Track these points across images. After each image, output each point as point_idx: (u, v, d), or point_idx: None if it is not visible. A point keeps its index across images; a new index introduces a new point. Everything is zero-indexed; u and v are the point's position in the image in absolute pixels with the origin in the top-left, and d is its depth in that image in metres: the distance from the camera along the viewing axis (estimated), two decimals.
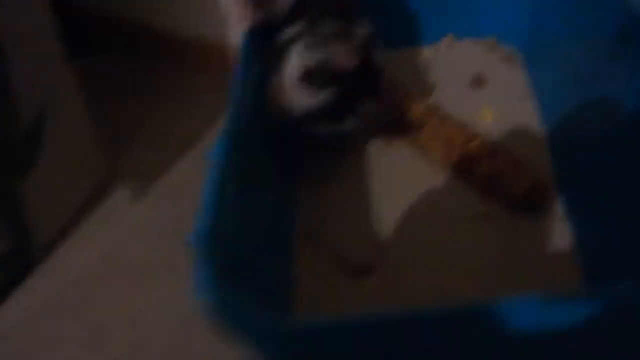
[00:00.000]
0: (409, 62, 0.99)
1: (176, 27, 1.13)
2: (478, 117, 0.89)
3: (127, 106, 1.14)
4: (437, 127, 0.80)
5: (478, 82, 0.94)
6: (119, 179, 0.99)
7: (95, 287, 0.87)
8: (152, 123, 1.06)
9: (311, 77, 0.70)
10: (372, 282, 0.72)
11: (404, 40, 1.01)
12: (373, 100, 0.75)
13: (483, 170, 0.77)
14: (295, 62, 0.71)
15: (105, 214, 0.96)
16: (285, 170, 0.83)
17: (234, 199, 0.54)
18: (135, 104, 1.14)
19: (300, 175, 0.84)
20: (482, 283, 0.72)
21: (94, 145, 0.95)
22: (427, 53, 1.00)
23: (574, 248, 0.73)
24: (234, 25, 0.76)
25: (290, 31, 0.74)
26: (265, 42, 0.75)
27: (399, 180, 0.82)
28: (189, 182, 0.97)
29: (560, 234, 0.75)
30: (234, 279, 0.46)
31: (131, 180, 0.99)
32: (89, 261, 0.90)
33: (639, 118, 0.62)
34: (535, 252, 0.74)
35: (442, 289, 0.71)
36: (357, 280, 0.72)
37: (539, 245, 0.74)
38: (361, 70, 0.72)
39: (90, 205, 0.96)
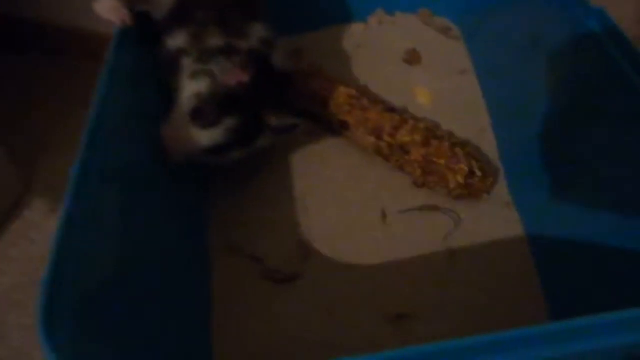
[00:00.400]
0: (337, 42, 0.91)
1: (80, 23, 1.04)
2: (414, 97, 0.83)
3: (38, 110, 1.05)
4: (362, 115, 0.73)
5: (412, 58, 0.87)
6: (33, 193, 0.92)
7: (11, 308, 0.80)
8: (65, 128, 0.97)
9: (202, 113, 0.62)
10: (296, 287, 0.67)
11: (330, 18, 0.93)
12: (284, 108, 0.68)
13: (415, 159, 0.70)
14: (185, 93, 0.63)
15: (21, 230, 0.88)
16: (188, 180, 0.76)
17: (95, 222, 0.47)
18: (46, 107, 1.05)
19: (210, 182, 0.77)
20: (422, 282, 0.67)
21: (2, 156, 0.88)
22: (356, 29, 0.93)
23: (522, 234, 0.69)
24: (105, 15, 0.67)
25: (175, 40, 0.66)
26: (147, 44, 0.67)
27: (325, 176, 0.76)
28: None
29: (507, 220, 0.71)
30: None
31: (46, 193, 0.91)
32: (3, 283, 0.83)
33: (582, 90, 0.59)
34: (480, 246, 0.68)
35: (375, 291, 0.65)
36: (280, 287, 0.67)
37: (483, 237, 0.69)
38: (258, 83, 0.64)
39: (3, 223, 0.89)
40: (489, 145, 0.77)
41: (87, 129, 0.50)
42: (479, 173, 0.69)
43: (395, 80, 0.84)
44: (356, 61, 0.88)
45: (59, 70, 1.10)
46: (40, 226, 0.88)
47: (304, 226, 0.71)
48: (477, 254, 0.68)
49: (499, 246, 0.68)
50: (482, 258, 0.68)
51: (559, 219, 0.63)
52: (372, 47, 0.90)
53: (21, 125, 1.01)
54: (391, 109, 0.75)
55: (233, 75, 0.63)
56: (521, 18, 0.72)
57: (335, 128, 0.77)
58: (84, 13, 1.01)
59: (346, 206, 0.72)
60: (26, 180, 0.93)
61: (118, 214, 0.52)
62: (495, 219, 0.71)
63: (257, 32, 0.69)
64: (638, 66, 0.50)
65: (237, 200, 0.74)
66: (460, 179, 0.69)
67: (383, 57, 0.88)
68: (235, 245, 0.71)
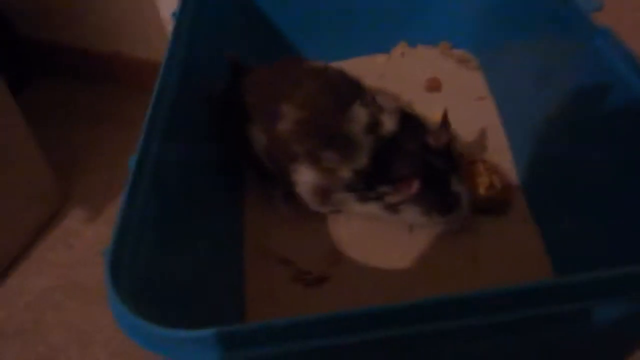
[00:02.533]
0: (361, 71, 0.97)
1: (120, 49, 1.12)
2: (434, 121, 0.88)
3: (78, 131, 1.11)
4: None
5: (433, 85, 0.93)
6: (71, 203, 0.97)
7: (47, 310, 0.84)
8: (103, 146, 1.03)
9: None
10: (325, 290, 0.70)
11: (355, 49, 1.01)
12: None
13: None
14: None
15: (58, 237, 0.93)
16: (230, 183, 0.81)
17: (157, 212, 0.51)
18: (86, 128, 1.11)
19: (248, 187, 0.83)
20: (444, 287, 0.70)
21: (45, 170, 0.93)
22: (379, 60, 1.00)
23: (541, 248, 0.72)
24: None
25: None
26: None
27: None
28: None
29: (526, 234, 0.74)
30: (148, 297, 0.43)
31: (83, 203, 0.96)
32: (42, 285, 0.86)
33: (593, 112, 0.62)
34: (502, 255, 0.72)
35: (401, 296, 0.69)
36: (310, 289, 0.70)
37: (504, 247, 0.73)
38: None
39: (43, 230, 0.93)
40: (507, 165, 0.82)
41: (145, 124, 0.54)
42: (498, 185, 0.74)
43: (416, 106, 0.90)
44: (379, 89, 0.94)
45: (98, 94, 1.17)
46: (78, 233, 0.93)
47: (335, 233, 0.76)
48: (498, 265, 0.71)
49: (519, 259, 0.71)
50: (504, 268, 0.71)
51: (576, 233, 0.66)
52: (394, 76, 0.97)
53: (62, 144, 1.08)
54: None
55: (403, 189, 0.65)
56: (535, 48, 0.77)
57: None
58: (124, 39, 1.09)
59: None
60: (65, 192, 0.98)
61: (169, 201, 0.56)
62: (515, 234, 0.74)
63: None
64: None
65: (269, 208, 0.79)
66: (482, 191, 0.74)
67: (405, 86, 0.94)
68: (268, 249, 0.75)
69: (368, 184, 0.66)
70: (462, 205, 0.67)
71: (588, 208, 0.63)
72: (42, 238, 0.93)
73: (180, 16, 0.72)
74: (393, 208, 0.67)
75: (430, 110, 0.89)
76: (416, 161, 0.65)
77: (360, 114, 0.67)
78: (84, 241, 0.90)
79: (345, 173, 0.66)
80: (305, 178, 0.69)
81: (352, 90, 0.71)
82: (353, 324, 0.37)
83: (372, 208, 0.68)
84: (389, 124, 0.67)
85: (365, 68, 0.99)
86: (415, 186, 0.64)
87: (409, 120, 0.69)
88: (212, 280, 0.64)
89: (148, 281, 0.46)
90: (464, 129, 0.86)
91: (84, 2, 1.07)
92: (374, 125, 0.67)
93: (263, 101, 0.72)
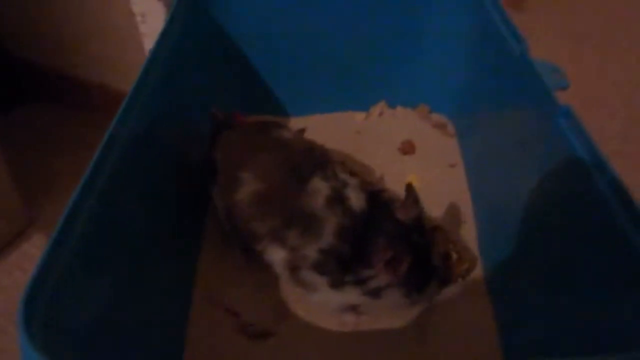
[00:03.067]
0: (338, 126, 0.99)
1: (104, 81, 1.13)
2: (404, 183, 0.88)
3: (56, 157, 1.11)
4: None
5: (407, 148, 0.93)
6: (34, 228, 0.96)
7: None
8: (79, 174, 1.03)
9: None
10: (269, 346, 0.69)
11: (335, 105, 1.02)
12: None
13: None
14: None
15: (14, 261, 0.92)
16: (187, 228, 0.81)
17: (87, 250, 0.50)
18: (65, 154, 1.11)
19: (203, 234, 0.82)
20: (391, 356, 0.69)
21: (11, 192, 0.93)
22: (358, 117, 1.00)
23: (492, 325, 0.71)
24: None
25: None
26: None
27: None
28: None
29: (479, 308, 0.73)
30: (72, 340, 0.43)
31: (47, 229, 0.96)
32: None
33: (552, 192, 0.62)
34: (451, 327, 0.71)
35: (344, 358, 0.67)
36: (253, 343, 0.69)
37: (455, 319, 0.71)
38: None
39: (1, 251, 0.93)
40: (469, 235, 0.81)
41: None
42: (454, 256, 0.73)
43: (389, 167, 0.91)
44: (354, 146, 0.95)
45: (81, 122, 1.18)
46: (35, 259, 0.91)
47: (284, 289, 0.74)
48: (446, 336, 0.70)
49: (468, 333, 0.70)
50: (451, 341, 0.69)
51: (531, 314, 0.64)
52: (370, 135, 0.98)
53: (38, 168, 1.08)
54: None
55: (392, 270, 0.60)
56: (505, 121, 0.78)
57: None
58: (109, 71, 1.11)
59: None
60: (31, 216, 0.98)
61: (110, 250, 0.55)
62: (468, 305, 0.73)
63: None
64: (600, 165, 0.53)
65: (225, 255, 0.78)
66: (436, 261, 0.73)
67: (380, 146, 0.95)
68: (217, 297, 0.74)
69: (342, 267, 0.61)
70: (439, 278, 0.64)
71: (543, 293, 0.62)
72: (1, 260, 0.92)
73: (154, 52, 0.72)
74: (375, 293, 0.61)
75: (401, 174, 0.90)
76: (401, 239, 0.60)
77: (320, 188, 0.64)
78: None
79: (310, 252, 0.62)
80: (276, 257, 0.65)
81: (314, 164, 0.68)
82: None
83: (350, 294, 0.62)
84: (356, 200, 0.63)
85: (344, 124, 1.00)
86: (405, 265, 0.59)
87: (376, 196, 0.65)
88: (153, 324, 0.63)
89: (74, 321, 0.45)
90: (432, 195, 0.84)
91: (72, 30, 1.09)
92: (337, 200, 0.63)
93: (226, 164, 0.72)
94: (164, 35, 0.75)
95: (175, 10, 0.81)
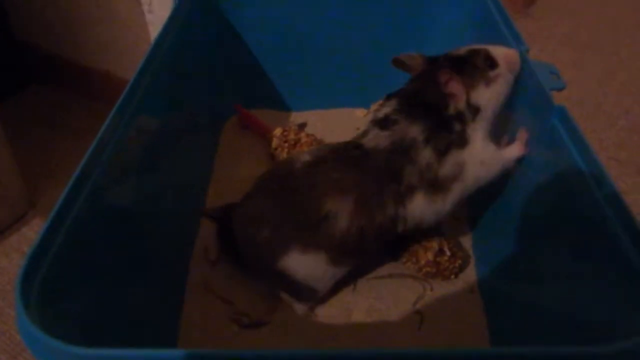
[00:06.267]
0: (339, 122, 1.00)
1: (110, 69, 1.15)
2: None
3: (59, 142, 1.13)
4: None
5: None
6: (35, 212, 0.97)
7: None
8: (80, 160, 1.04)
9: None
10: (260, 335, 0.69)
11: (337, 101, 1.04)
12: None
13: None
14: None
15: (13, 244, 0.93)
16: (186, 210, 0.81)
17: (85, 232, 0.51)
18: (67, 140, 1.13)
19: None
20: (390, 341, 0.69)
21: (13, 175, 0.94)
22: (358, 114, 1.01)
23: (483, 321, 0.71)
24: None
25: None
26: None
27: None
28: None
29: (470, 304, 0.74)
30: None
31: (46, 214, 0.96)
32: None
33: (545, 191, 0.62)
34: (444, 319, 0.72)
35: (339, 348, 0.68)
36: (245, 332, 0.70)
37: (447, 312, 0.73)
38: None
39: (3, 234, 0.94)
40: (463, 234, 0.82)
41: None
42: (448, 253, 0.74)
43: None
44: None
45: (85, 109, 1.19)
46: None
47: None
48: (438, 330, 0.71)
49: (459, 326, 0.71)
50: (443, 335, 0.70)
51: (520, 314, 0.65)
52: None
53: (40, 152, 1.09)
54: None
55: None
56: (505, 120, 0.77)
57: None
58: (115, 59, 1.12)
59: None
60: (31, 200, 0.99)
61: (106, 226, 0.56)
62: (460, 302, 0.74)
63: None
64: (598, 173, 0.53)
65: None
66: (430, 256, 0.74)
67: None
68: (211, 285, 0.75)
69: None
70: None
71: (533, 294, 0.63)
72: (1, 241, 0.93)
73: (157, 42, 0.74)
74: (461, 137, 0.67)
75: None
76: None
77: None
78: None
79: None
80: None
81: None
82: None
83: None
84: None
85: (345, 119, 1.01)
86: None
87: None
88: (147, 308, 0.64)
89: (70, 300, 0.46)
90: None
91: (80, 17, 1.10)
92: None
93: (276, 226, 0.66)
94: (168, 26, 0.76)
95: (180, 3, 0.82)
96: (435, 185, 0.67)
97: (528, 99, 0.69)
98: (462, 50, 0.71)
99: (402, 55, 0.74)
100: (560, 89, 0.65)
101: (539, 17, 1.50)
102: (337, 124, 0.99)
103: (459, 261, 0.75)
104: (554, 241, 0.60)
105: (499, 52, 0.70)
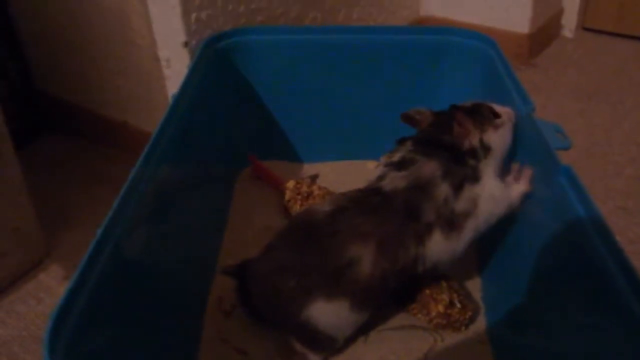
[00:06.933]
0: (350, 173, 1.03)
1: (128, 120, 1.18)
2: None
3: (76, 189, 1.15)
4: None
5: None
6: (52, 259, 0.99)
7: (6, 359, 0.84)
8: (97, 207, 1.05)
9: None
10: None
11: (348, 154, 1.08)
12: None
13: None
14: None
15: (30, 290, 0.94)
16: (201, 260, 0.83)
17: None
18: (85, 187, 1.15)
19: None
20: None
21: (32, 222, 0.96)
22: (369, 166, 1.04)
23: None
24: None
25: None
26: None
27: None
28: None
29: (480, 355, 0.74)
30: None
31: (63, 260, 0.98)
32: (3, 334, 0.87)
33: (551, 249, 0.64)
34: None
35: None
36: None
37: None
38: None
39: (19, 279, 0.95)
40: (473, 284, 0.84)
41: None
42: (458, 305, 0.75)
43: None
44: None
45: (102, 156, 1.22)
46: (50, 289, 0.94)
47: None
48: None
49: None
50: None
51: None
52: None
53: (58, 199, 1.12)
54: None
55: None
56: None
57: None
58: (132, 111, 1.15)
59: None
60: (48, 247, 1.01)
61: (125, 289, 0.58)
62: (470, 352, 0.75)
63: None
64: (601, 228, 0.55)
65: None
66: (441, 309, 0.75)
67: None
68: (227, 336, 0.76)
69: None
70: None
71: (542, 344, 0.63)
72: (16, 288, 0.94)
73: (178, 97, 0.77)
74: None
75: None
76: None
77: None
78: (54, 297, 0.92)
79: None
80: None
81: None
82: None
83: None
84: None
85: (355, 171, 1.03)
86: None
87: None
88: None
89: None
90: None
91: (98, 69, 1.14)
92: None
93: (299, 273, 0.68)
94: (187, 82, 0.79)
95: (198, 59, 0.86)
96: (451, 223, 0.69)
97: (534, 158, 0.71)
98: (468, 103, 0.75)
99: (412, 111, 0.77)
100: (566, 149, 0.67)
101: (545, 67, 1.53)
102: (349, 175, 1.01)
103: (470, 313, 0.76)
104: (562, 293, 0.61)
105: (499, 107, 0.75)
